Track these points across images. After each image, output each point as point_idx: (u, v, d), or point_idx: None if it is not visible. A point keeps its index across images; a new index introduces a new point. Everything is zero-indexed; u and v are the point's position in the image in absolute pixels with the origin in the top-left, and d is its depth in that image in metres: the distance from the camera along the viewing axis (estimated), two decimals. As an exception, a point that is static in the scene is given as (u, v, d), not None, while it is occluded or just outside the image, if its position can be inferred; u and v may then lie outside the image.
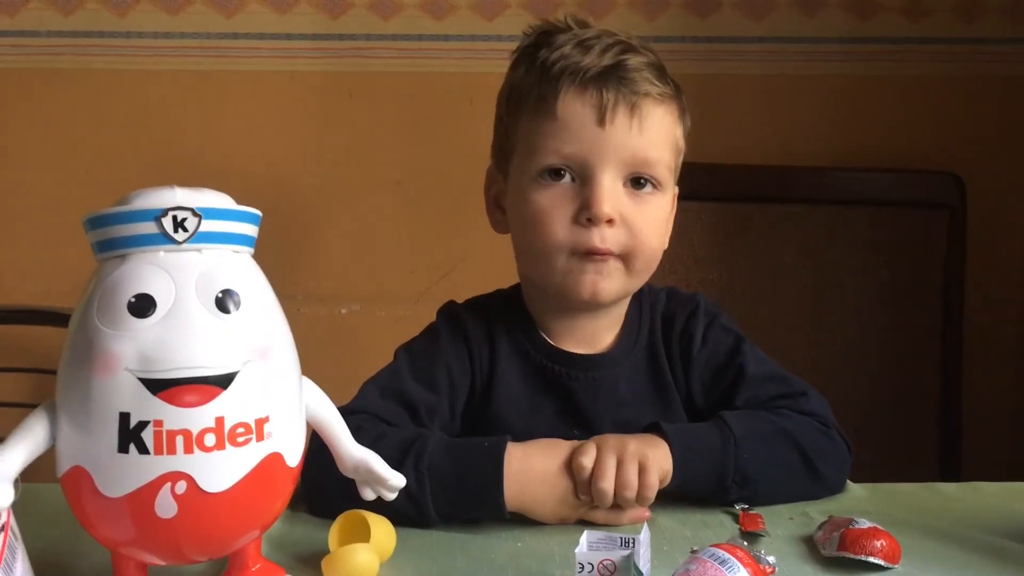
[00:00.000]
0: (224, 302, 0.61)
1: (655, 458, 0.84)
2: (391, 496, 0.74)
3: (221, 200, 0.63)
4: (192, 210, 0.61)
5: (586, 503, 0.84)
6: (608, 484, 0.82)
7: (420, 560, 0.77)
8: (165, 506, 0.59)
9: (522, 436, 0.90)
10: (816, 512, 0.87)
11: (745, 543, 0.77)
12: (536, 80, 0.93)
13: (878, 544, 0.76)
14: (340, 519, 0.76)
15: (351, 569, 0.71)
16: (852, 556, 0.75)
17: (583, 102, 0.90)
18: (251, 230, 0.65)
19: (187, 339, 0.59)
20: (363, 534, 0.74)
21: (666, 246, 0.98)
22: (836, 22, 1.74)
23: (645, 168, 0.91)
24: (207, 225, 0.61)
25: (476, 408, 0.97)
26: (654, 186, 0.92)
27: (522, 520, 0.85)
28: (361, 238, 1.81)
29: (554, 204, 0.91)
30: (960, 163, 1.58)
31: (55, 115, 1.77)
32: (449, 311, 1.01)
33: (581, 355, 0.98)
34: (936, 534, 0.82)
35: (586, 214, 0.89)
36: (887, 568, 0.75)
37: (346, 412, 0.87)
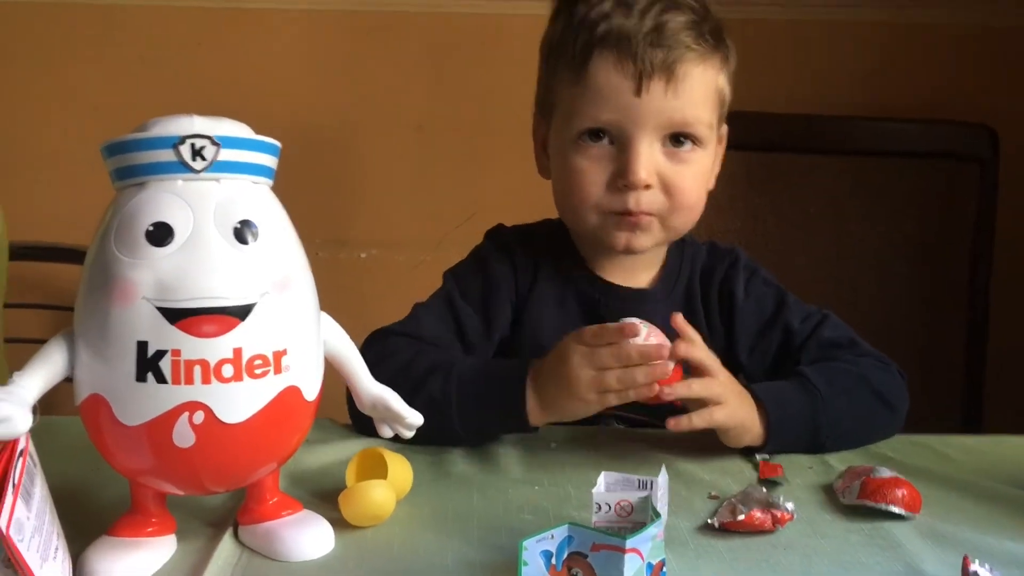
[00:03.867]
0: (242, 232, 0.60)
1: (736, 418, 0.84)
2: (408, 434, 0.74)
3: (240, 129, 0.62)
4: (211, 138, 0.60)
5: (608, 384, 0.80)
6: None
7: (437, 499, 0.77)
8: (183, 435, 0.59)
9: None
10: (836, 461, 0.87)
11: (764, 489, 0.77)
12: (573, 39, 0.92)
13: (899, 493, 0.75)
14: (358, 456, 0.76)
15: (368, 504, 0.71)
16: (872, 504, 0.75)
17: (620, 71, 0.89)
18: (270, 161, 0.64)
19: (205, 269, 0.58)
20: (381, 471, 0.74)
21: (711, 187, 0.99)
22: (869, -33, 1.70)
23: (684, 127, 0.91)
24: (225, 154, 0.60)
25: (515, 327, 1.00)
26: (694, 143, 0.92)
27: (540, 463, 0.85)
28: (381, 183, 1.79)
29: (591, 166, 0.92)
30: (993, 115, 1.54)
31: (69, 51, 1.75)
32: (496, 235, 1.04)
33: (622, 287, 1.00)
34: (956, 485, 0.82)
35: (622, 180, 0.91)
36: (907, 517, 0.75)
37: (393, 332, 0.93)
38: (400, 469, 0.76)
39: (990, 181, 1.51)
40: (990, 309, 1.53)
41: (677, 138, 0.92)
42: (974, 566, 0.61)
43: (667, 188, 0.92)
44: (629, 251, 0.95)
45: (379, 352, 0.90)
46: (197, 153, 0.59)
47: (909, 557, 0.68)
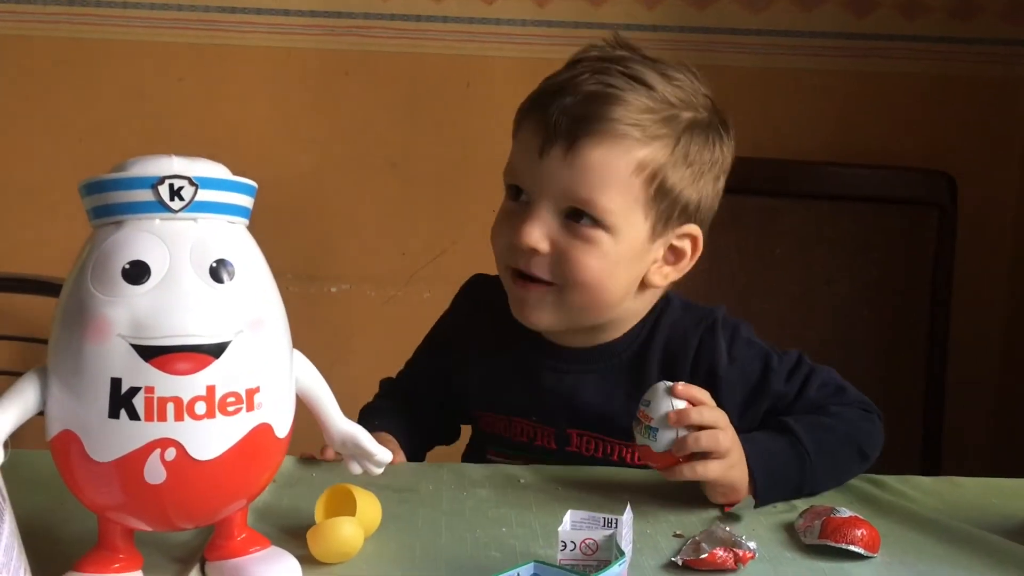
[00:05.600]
0: (218, 271, 0.61)
1: (729, 477, 0.83)
2: (377, 471, 0.75)
3: (218, 170, 0.64)
4: (189, 179, 0.61)
5: None
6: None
7: (405, 536, 0.78)
8: (154, 472, 0.59)
9: (482, 410, 1.02)
10: (799, 501, 0.88)
11: (728, 528, 0.78)
12: (532, 94, 0.95)
13: (859, 533, 0.77)
14: (327, 492, 0.77)
15: (336, 541, 0.71)
16: (832, 544, 0.76)
17: (534, 131, 0.91)
18: (247, 201, 0.65)
19: (180, 307, 0.59)
20: (349, 507, 0.75)
21: (660, 284, 0.96)
22: (833, 18, 1.75)
23: (580, 204, 0.89)
24: (203, 194, 0.61)
25: (474, 379, 1.04)
26: (596, 223, 0.89)
27: (508, 501, 0.86)
28: (353, 218, 1.81)
29: (503, 219, 0.95)
30: (952, 162, 1.59)
31: (49, 85, 1.76)
32: (470, 283, 1.09)
33: (562, 347, 0.99)
34: (915, 524, 0.84)
35: (515, 239, 0.91)
36: (867, 557, 0.76)
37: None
38: (369, 506, 0.76)
39: (948, 226, 1.55)
40: (948, 353, 1.57)
41: (579, 215, 0.90)
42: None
43: (560, 258, 0.90)
44: (530, 325, 0.95)
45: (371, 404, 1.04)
46: (175, 193, 0.60)
47: (867, 596, 0.70)
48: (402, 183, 1.79)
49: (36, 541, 0.64)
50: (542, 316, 0.94)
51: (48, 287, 1.46)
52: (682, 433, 0.80)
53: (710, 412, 0.82)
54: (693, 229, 0.96)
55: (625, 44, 0.96)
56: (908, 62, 1.76)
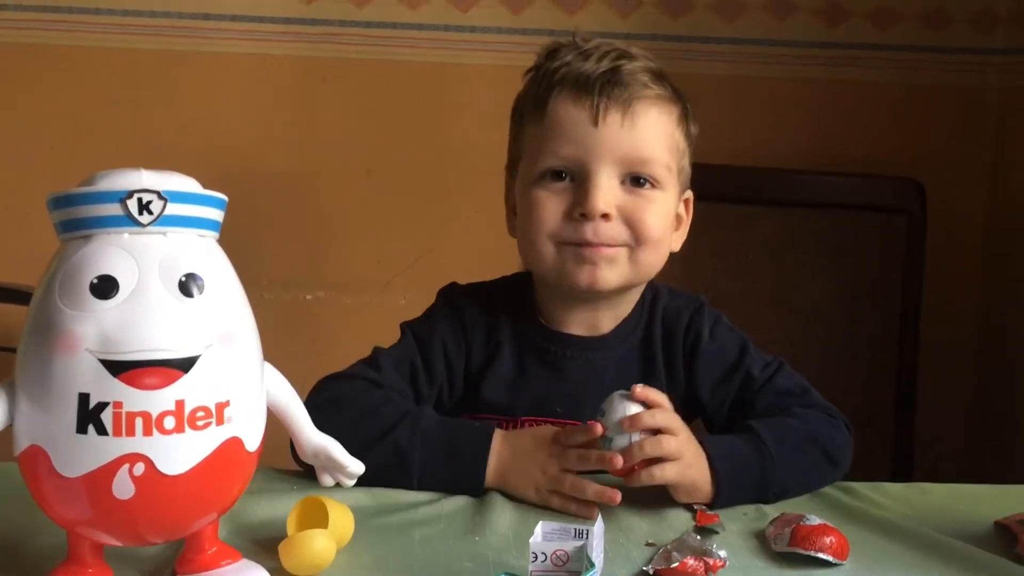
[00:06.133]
0: (187, 286, 0.61)
1: (688, 477, 0.85)
2: (349, 483, 0.75)
3: (187, 184, 0.63)
4: (158, 193, 0.61)
5: (562, 486, 0.85)
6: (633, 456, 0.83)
7: (377, 548, 0.77)
8: (123, 487, 0.59)
9: (505, 412, 0.98)
10: (770, 508, 0.89)
11: (699, 537, 0.79)
12: (536, 87, 0.97)
13: (827, 540, 0.77)
14: (299, 504, 0.77)
15: (308, 554, 0.71)
16: (802, 551, 0.77)
17: (578, 105, 0.93)
18: (217, 215, 0.65)
19: (149, 322, 0.59)
20: (322, 519, 0.75)
21: (676, 248, 1.01)
22: (805, 27, 1.77)
23: (641, 167, 0.93)
24: (172, 208, 0.61)
25: (468, 386, 1.02)
26: (652, 184, 0.94)
27: (480, 511, 0.86)
28: (329, 225, 1.80)
29: (549, 197, 0.94)
30: (921, 169, 1.61)
31: (21, 91, 1.74)
32: (447, 293, 1.06)
33: (576, 336, 1.01)
34: (883, 531, 0.84)
35: (579, 209, 0.92)
36: (835, 564, 0.77)
37: (356, 376, 0.95)
38: (341, 517, 0.76)
39: (918, 232, 1.57)
40: (919, 357, 1.59)
41: (637, 179, 0.94)
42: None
43: (629, 220, 0.93)
44: (593, 288, 0.94)
45: (345, 392, 0.93)
46: (144, 207, 0.60)
47: (835, 604, 0.70)
48: (377, 191, 1.79)
49: (5, 555, 0.64)
50: (611, 276, 0.95)
51: (19, 295, 1.45)
52: (635, 438, 0.82)
53: (663, 415, 0.84)
54: (689, 195, 1.02)
55: (587, 37, 0.99)
56: (879, 71, 1.79)
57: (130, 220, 0.60)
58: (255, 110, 1.78)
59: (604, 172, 0.92)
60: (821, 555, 0.77)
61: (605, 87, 0.92)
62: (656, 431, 0.84)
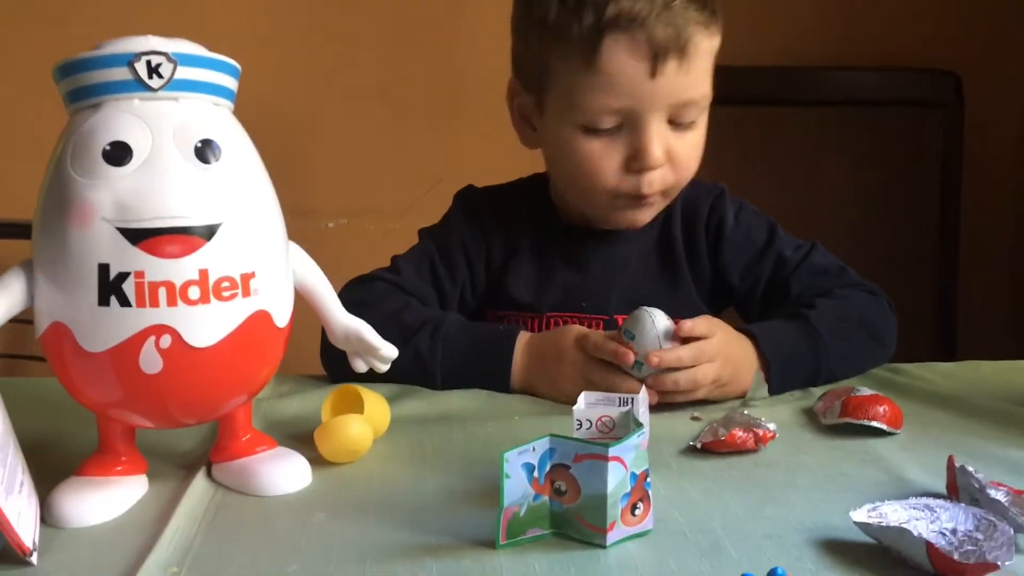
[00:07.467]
0: (204, 152, 0.58)
1: (736, 381, 0.82)
2: (383, 367, 0.73)
3: (197, 48, 0.60)
4: (167, 55, 0.58)
5: (596, 380, 0.81)
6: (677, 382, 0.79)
7: (415, 435, 0.76)
8: (150, 361, 0.57)
9: (529, 309, 0.98)
10: (816, 388, 0.86)
11: (746, 411, 0.76)
12: (578, 20, 0.87)
13: (880, 409, 0.75)
14: (333, 393, 0.75)
15: (344, 439, 0.69)
16: (854, 421, 0.74)
17: (635, 54, 0.86)
18: (230, 82, 0.62)
19: (165, 188, 0.56)
20: (357, 408, 0.73)
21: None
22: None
23: (690, 108, 0.90)
24: (183, 72, 0.58)
25: (491, 285, 1.01)
26: (700, 111, 0.91)
27: (520, 398, 0.84)
28: (346, 151, 1.77)
29: (604, 151, 0.90)
30: (957, 61, 1.55)
31: (18, 19, 1.70)
32: (463, 196, 1.04)
33: (596, 230, 0.99)
34: (936, 403, 0.82)
35: (637, 163, 0.90)
36: (890, 433, 0.74)
37: (380, 279, 0.94)
38: (377, 406, 0.74)
39: (955, 126, 1.52)
40: (959, 255, 1.55)
41: (682, 118, 0.90)
42: (960, 464, 0.60)
43: (673, 163, 0.91)
44: (632, 227, 0.96)
45: (367, 295, 0.91)
46: (153, 70, 0.57)
47: (892, 468, 0.68)
48: (393, 113, 1.76)
49: (36, 455, 0.62)
50: (650, 215, 0.96)
51: (18, 229, 1.43)
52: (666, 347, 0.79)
53: (688, 351, 0.79)
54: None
55: None
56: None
57: (140, 84, 0.57)
58: (269, 35, 1.74)
59: (656, 120, 0.89)
60: (875, 423, 0.74)
61: (661, 30, 0.85)
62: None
